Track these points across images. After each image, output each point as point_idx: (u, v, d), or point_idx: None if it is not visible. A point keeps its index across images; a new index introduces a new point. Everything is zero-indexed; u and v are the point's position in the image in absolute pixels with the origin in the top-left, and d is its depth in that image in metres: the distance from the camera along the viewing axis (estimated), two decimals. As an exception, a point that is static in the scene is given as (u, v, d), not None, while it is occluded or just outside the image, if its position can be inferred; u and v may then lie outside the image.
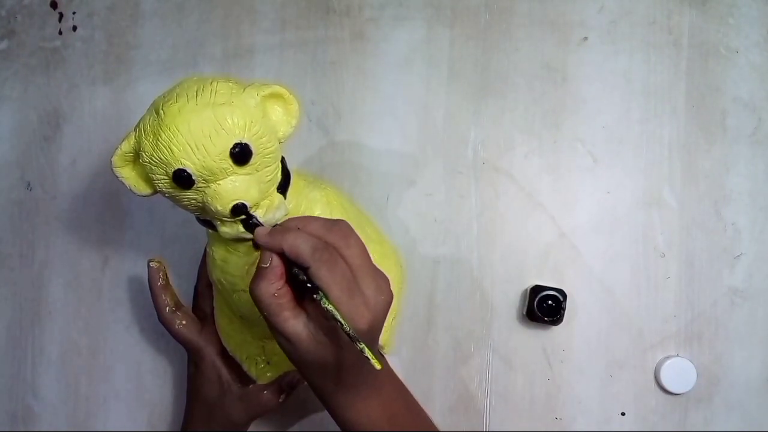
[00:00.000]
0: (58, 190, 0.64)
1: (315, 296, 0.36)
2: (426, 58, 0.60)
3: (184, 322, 0.53)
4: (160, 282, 0.53)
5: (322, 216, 0.44)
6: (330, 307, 0.35)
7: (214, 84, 0.38)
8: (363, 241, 0.39)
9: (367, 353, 0.35)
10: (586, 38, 0.59)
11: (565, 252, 0.58)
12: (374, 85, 0.60)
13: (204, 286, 0.55)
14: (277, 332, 0.38)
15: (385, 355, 0.48)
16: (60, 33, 0.64)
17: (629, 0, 0.59)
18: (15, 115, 0.64)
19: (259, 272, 0.37)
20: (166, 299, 0.53)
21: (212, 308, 0.53)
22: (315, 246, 0.36)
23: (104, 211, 0.63)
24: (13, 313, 0.64)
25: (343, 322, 0.35)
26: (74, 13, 0.64)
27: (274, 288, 0.37)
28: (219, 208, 0.38)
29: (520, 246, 0.59)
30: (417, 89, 0.60)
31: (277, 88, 0.40)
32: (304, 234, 0.37)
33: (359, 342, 0.35)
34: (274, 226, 0.39)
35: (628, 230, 0.58)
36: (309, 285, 0.36)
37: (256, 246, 0.39)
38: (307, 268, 0.36)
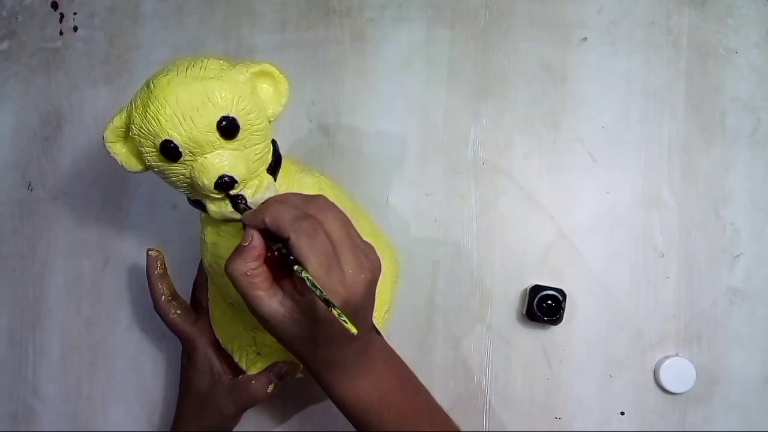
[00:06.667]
0: (58, 191, 0.64)
1: (294, 267, 0.35)
2: (426, 59, 0.60)
3: (179, 311, 0.53)
4: (158, 270, 0.53)
5: None
6: (306, 275, 0.35)
7: (205, 60, 0.39)
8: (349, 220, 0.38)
9: (343, 317, 0.34)
10: (585, 39, 0.59)
11: (565, 252, 0.58)
12: (374, 85, 0.61)
13: (203, 280, 0.55)
14: (254, 312, 0.38)
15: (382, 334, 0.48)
16: (61, 33, 0.64)
17: (629, 1, 0.59)
18: (16, 115, 0.65)
19: (236, 251, 0.38)
20: (162, 288, 0.53)
21: (208, 300, 0.53)
22: (296, 215, 0.36)
23: (104, 211, 0.63)
24: (13, 313, 0.64)
25: (321, 290, 0.35)
26: (75, 13, 0.64)
27: (248, 267, 0.37)
28: (205, 182, 0.39)
29: (520, 246, 0.59)
30: (417, 89, 0.60)
31: (267, 66, 0.40)
32: (286, 205, 0.37)
33: (334, 307, 0.34)
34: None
35: (628, 230, 0.58)
36: (290, 258, 0.36)
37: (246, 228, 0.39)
38: (287, 239, 0.36)
